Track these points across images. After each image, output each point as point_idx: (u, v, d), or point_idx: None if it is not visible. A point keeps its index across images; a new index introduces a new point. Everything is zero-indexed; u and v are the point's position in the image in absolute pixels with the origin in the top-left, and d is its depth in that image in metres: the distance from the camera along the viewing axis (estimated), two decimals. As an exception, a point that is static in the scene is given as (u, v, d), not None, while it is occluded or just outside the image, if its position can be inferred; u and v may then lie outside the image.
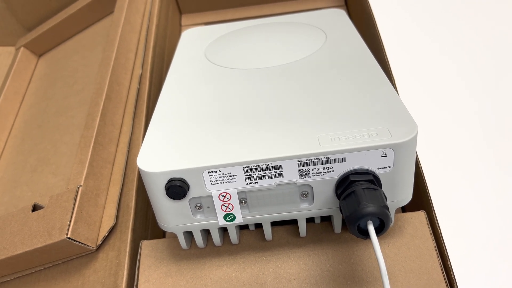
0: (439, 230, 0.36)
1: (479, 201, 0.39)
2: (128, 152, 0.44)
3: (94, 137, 0.43)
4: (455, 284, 0.33)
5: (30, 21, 0.70)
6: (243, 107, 0.36)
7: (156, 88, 0.52)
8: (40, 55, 0.69)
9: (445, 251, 0.35)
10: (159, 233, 0.45)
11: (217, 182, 0.32)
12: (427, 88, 0.50)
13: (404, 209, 0.43)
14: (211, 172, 0.31)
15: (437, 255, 0.35)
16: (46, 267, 0.41)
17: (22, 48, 0.67)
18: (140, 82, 0.49)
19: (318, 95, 0.36)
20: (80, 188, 0.39)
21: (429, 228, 0.36)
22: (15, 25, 0.71)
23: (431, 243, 0.36)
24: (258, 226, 0.38)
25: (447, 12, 0.64)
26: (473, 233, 0.37)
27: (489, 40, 0.57)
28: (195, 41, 0.52)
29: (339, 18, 0.51)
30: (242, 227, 0.39)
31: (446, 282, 0.34)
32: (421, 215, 0.37)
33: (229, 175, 0.31)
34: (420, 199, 0.39)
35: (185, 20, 0.69)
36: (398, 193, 0.33)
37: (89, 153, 0.42)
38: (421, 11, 0.66)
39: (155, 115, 0.38)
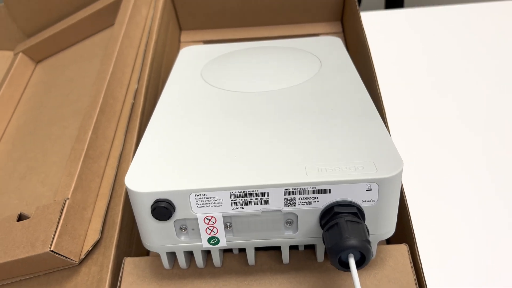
0: (420, 264, 0.36)
1: (463, 236, 0.39)
2: (118, 166, 0.45)
3: (85, 150, 0.43)
4: (432, 320, 0.34)
5: (30, 28, 0.71)
6: (234, 131, 0.37)
7: (151, 103, 0.53)
8: (38, 62, 0.69)
9: (424, 285, 0.35)
10: (143, 250, 0.45)
11: (203, 205, 0.32)
12: (417, 121, 0.51)
13: (388, 240, 0.43)
14: (198, 195, 0.31)
15: (417, 289, 0.35)
16: (27, 277, 0.40)
17: (20, 54, 0.67)
18: (135, 97, 0.50)
19: (308, 124, 0.37)
20: (67, 201, 0.39)
21: (410, 261, 0.37)
22: (15, 30, 0.71)
23: (412, 277, 0.36)
24: (242, 250, 0.39)
25: (444, 44, 0.65)
26: (455, 268, 0.37)
27: (487, 74, 0.59)
28: (193, 59, 0.53)
29: (335, 46, 0.52)
30: (226, 250, 0.39)
31: (424, 317, 0.34)
32: (403, 248, 0.38)
33: (215, 199, 0.32)
34: (403, 232, 0.39)
35: (184, 36, 0.70)
36: (381, 226, 0.33)
37: (79, 166, 0.42)
38: (417, 42, 0.68)
39: (147, 133, 0.38)
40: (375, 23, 0.77)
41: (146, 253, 0.46)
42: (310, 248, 0.38)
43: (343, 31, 0.67)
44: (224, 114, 0.40)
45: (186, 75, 0.49)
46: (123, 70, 0.51)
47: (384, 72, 0.57)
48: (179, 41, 0.69)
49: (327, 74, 0.46)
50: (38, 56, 0.69)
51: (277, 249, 0.38)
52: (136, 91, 0.50)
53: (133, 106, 0.49)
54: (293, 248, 0.38)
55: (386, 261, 0.37)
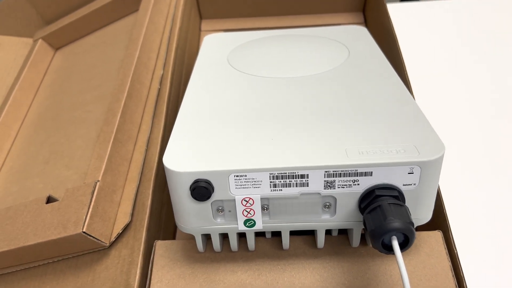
0: (455, 251, 0.36)
1: (496, 222, 0.39)
2: (146, 151, 0.44)
3: (114, 133, 0.42)
4: (470, 306, 0.33)
5: (49, 14, 0.70)
6: (268, 114, 0.37)
7: (176, 90, 0.53)
8: (57, 49, 0.69)
9: (461, 272, 0.35)
10: (170, 234, 0.45)
11: (242, 186, 0.32)
12: (447, 107, 0.50)
13: (421, 227, 0.43)
14: (237, 176, 0.31)
15: (453, 276, 0.35)
16: (55, 260, 0.40)
17: (40, 40, 0.67)
18: (161, 83, 0.49)
19: (344, 107, 0.36)
20: (98, 183, 0.39)
21: (445, 248, 0.36)
22: (35, 16, 0.71)
23: (447, 263, 0.36)
24: (275, 234, 0.38)
25: (471, 30, 0.64)
26: (489, 254, 0.37)
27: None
28: (218, 46, 0.52)
29: (362, 35, 0.52)
30: (258, 234, 0.39)
31: (461, 303, 0.34)
32: (437, 234, 0.37)
33: (254, 180, 0.31)
34: (437, 219, 0.39)
35: (204, 25, 0.69)
36: (420, 211, 0.33)
37: (108, 149, 0.41)
38: (443, 28, 0.67)
39: (181, 114, 0.38)
40: (393, 15, 0.76)
41: (172, 237, 0.46)
42: (344, 233, 0.38)
43: (365, 21, 0.67)
44: (256, 98, 0.39)
45: (213, 61, 0.48)
46: (148, 56, 0.51)
47: (411, 59, 0.57)
48: (200, 30, 0.69)
49: (356, 61, 0.45)
50: (57, 42, 0.68)
51: (310, 233, 0.38)
52: (162, 76, 0.50)
53: (159, 91, 0.49)
54: (326, 233, 0.38)
55: (421, 248, 0.37)
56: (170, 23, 0.56)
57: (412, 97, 0.37)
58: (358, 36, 0.52)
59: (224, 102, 0.39)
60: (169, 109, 0.48)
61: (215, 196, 0.32)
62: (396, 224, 0.28)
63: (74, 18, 0.66)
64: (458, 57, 0.61)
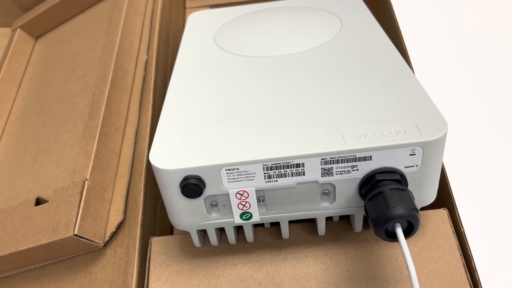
0: (462, 229, 0.35)
1: (503, 198, 0.37)
2: (135, 143, 0.42)
3: (99, 127, 0.41)
4: (479, 286, 0.32)
5: (26, 1, 0.67)
6: (259, 99, 0.34)
7: (162, 75, 0.50)
8: (37, 37, 0.66)
9: (468, 251, 0.34)
10: (167, 228, 0.44)
11: (235, 180, 0.30)
12: (447, 78, 0.48)
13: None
14: (229, 169, 0.29)
15: (460, 255, 0.34)
16: (51, 262, 0.39)
17: (18, 30, 0.64)
18: (145, 69, 0.47)
19: (339, 87, 0.34)
20: (86, 182, 0.38)
21: (451, 226, 0.35)
22: (11, 5, 0.67)
23: (454, 242, 0.34)
24: (274, 223, 0.37)
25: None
26: (497, 231, 0.35)
27: None
28: (203, 25, 0.49)
29: (355, 3, 0.49)
30: (257, 224, 0.37)
31: (470, 283, 0.32)
32: (443, 213, 0.36)
33: (247, 173, 0.30)
34: (442, 197, 0.37)
35: (189, 2, 0.66)
36: (424, 192, 0.31)
37: (95, 145, 0.40)
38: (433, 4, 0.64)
39: (166, 106, 0.36)
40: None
41: (170, 231, 0.45)
42: (345, 218, 0.37)
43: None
44: (245, 81, 0.37)
45: (198, 42, 0.46)
46: (131, 40, 0.48)
47: (408, 27, 0.54)
48: (185, 7, 0.65)
49: (350, 33, 0.42)
50: (37, 31, 0.65)
51: (311, 221, 0.37)
52: (146, 62, 0.48)
53: (144, 78, 0.47)
54: (327, 219, 0.36)
55: (426, 227, 0.35)
56: (152, 3, 0.53)
57: (411, 71, 0.35)
58: (351, 5, 0.49)
59: (211, 89, 0.37)
60: (156, 96, 0.46)
61: (207, 191, 0.30)
62: (399, 211, 0.27)
63: (52, 4, 0.62)
64: (460, 26, 0.58)
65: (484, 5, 0.59)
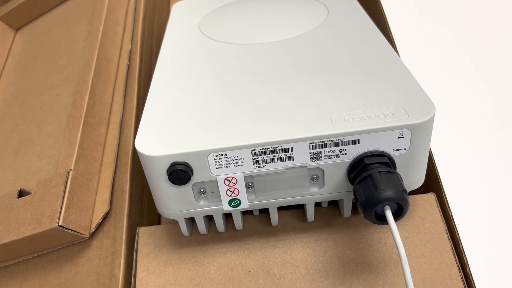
0: (450, 213, 0.35)
1: (490, 182, 0.38)
2: (120, 133, 0.42)
3: (83, 117, 0.40)
4: (467, 268, 0.32)
5: (5, -8, 0.65)
6: (246, 85, 0.34)
7: (147, 64, 0.49)
8: (17, 29, 0.64)
9: (456, 234, 0.34)
10: (155, 219, 0.43)
11: (223, 166, 0.29)
12: (433, 64, 0.48)
13: (413, 190, 0.42)
14: (217, 155, 0.29)
15: (448, 238, 0.34)
16: (35, 255, 0.38)
17: (-3, 21, 0.62)
18: (130, 58, 0.46)
19: (326, 72, 0.34)
20: (71, 172, 0.37)
21: (439, 210, 0.35)
22: (-11, -5, 0.66)
23: (442, 226, 0.34)
24: (262, 211, 0.37)
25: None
26: (484, 215, 0.36)
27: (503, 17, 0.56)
28: (188, 14, 0.49)
29: (340, -10, 0.49)
30: (246, 212, 0.37)
31: (458, 265, 0.33)
32: (430, 197, 0.36)
33: (236, 158, 0.29)
34: (429, 181, 0.37)
35: (173, -8, 0.65)
36: (412, 175, 0.31)
37: (79, 135, 0.39)
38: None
39: (151, 93, 0.35)
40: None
41: (157, 222, 0.44)
42: (334, 204, 0.37)
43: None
44: (231, 68, 0.37)
45: (183, 30, 0.45)
46: (114, 29, 0.47)
47: (394, 14, 0.54)
48: (169, -3, 0.64)
49: (336, 20, 0.42)
50: (17, 22, 0.64)
51: (299, 207, 0.37)
52: (131, 51, 0.47)
53: (128, 67, 0.46)
54: (316, 205, 0.36)
55: (414, 212, 0.35)
56: (135, -8, 0.52)
57: (397, 55, 0.35)
58: (337, -8, 0.48)
59: (197, 75, 0.36)
60: (141, 86, 0.45)
61: (195, 178, 0.30)
62: (388, 193, 0.27)
63: (32, -6, 0.61)
64: (445, 11, 0.58)
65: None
